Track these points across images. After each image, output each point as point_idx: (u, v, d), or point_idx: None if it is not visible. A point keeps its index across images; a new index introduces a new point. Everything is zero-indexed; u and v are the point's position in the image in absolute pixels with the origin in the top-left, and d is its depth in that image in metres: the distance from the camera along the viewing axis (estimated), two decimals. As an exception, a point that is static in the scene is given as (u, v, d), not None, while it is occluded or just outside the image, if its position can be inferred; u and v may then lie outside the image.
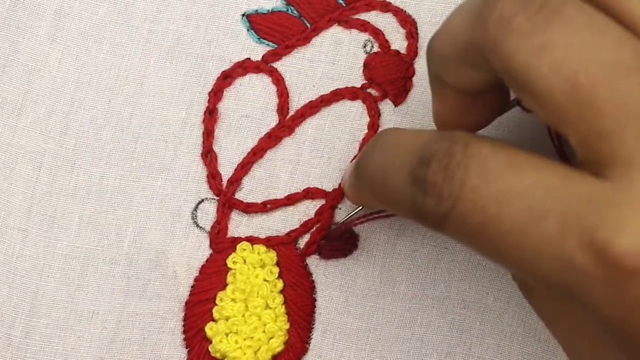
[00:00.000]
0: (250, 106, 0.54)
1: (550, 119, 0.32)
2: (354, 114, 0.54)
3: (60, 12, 0.54)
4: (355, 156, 0.54)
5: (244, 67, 0.54)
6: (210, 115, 0.54)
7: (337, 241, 0.54)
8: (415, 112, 0.54)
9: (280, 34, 0.54)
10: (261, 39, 0.54)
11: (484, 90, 0.38)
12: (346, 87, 0.54)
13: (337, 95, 0.54)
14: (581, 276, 0.31)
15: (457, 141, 0.35)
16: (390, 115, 0.54)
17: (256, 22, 0.54)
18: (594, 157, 0.32)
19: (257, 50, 0.54)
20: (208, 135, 0.54)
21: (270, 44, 0.54)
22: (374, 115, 0.54)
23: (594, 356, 0.35)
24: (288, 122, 0.54)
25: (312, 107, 0.54)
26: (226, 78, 0.54)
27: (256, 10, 0.54)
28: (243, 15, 0.54)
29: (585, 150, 0.32)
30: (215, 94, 0.54)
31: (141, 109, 0.54)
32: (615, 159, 0.31)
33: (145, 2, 0.54)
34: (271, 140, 0.54)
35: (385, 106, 0.54)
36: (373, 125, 0.54)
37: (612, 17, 0.32)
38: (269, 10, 0.54)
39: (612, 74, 0.31)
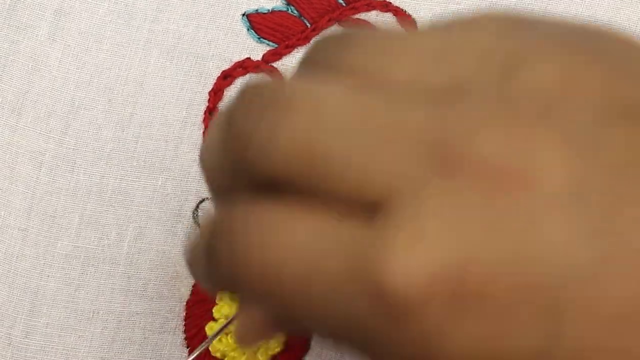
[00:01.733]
0: (251, 106, 0.54)
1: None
2: (354, 113, 0.54)
3: (60, 12, 0.54)
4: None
5: (244, 67, 0.54)
6: (211, 115, 0.54)
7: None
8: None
9: (281, 33, 0.54)
10: (261, 39, 0.54)
11: None
12: (346, 87, 0.54)
13: (337, 95, 0.54)
14: (366, 321, 0.29)
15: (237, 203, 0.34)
16: (391, 115, 0.54)
17: (256, 22, 0.54)
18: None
19: (257, 50, 0.54)
20: (208, 134, 0.54)
21: (271, 43, 0.54)
22: (374, 114, 0.54)
23: None
24: (288, 121, 0.54)
25: (313, 107, 0.54)
26: (226, 78, 0.54)
27: (256, 10, 0.54)
28: (243, 14, 0.54)
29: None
30: (216, 94, 0.54)
31: (141, 108, 0.54)
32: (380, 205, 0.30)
33: (146, 1, 0.54)
34: (271, 139, 0.54)
35: (386, 106, 0.54)
36: (373, 125, 0.54)
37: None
38: (269, 10, 0.54)
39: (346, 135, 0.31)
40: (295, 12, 0.54)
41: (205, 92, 0.54)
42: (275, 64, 0.54)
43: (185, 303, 0.54)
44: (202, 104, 0.54)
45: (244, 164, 0.33)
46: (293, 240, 0.31)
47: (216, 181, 0.37)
